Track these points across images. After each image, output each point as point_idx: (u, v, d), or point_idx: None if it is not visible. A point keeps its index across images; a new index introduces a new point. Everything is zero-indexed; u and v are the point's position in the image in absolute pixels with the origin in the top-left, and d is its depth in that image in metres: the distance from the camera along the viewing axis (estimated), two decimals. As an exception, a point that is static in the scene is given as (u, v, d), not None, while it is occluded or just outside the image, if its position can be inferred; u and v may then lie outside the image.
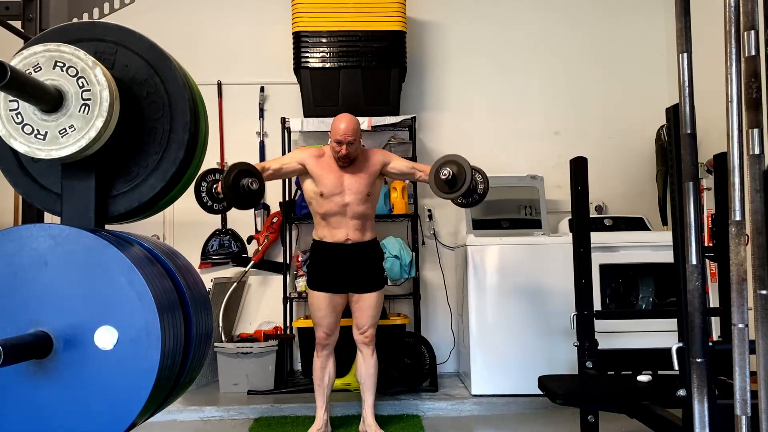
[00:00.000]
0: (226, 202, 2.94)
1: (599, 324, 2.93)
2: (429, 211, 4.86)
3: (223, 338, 4.34)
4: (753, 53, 1.54)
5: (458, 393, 4.09)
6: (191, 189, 1.98)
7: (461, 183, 2.98)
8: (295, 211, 4.54)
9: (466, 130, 4.96)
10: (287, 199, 4.58)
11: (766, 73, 1.70)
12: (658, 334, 3.37)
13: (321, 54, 4.43)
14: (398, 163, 3.36)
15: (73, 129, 1.52)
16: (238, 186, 2.84)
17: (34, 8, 2.62)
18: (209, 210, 3.04)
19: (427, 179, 3.19)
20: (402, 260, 4.28)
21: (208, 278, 4.40)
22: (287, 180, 4.55)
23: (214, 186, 2.96)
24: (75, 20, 2.69)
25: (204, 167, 2.01)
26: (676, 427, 2.18)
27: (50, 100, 1.49)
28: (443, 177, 2.99)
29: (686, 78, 1.84)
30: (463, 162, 3.02)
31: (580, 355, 2.86)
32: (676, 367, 2.09)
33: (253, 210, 4.83)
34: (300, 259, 4.54)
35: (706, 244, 3.43)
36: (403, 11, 4.50)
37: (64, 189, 1.65)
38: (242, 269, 4.69)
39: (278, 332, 4.45)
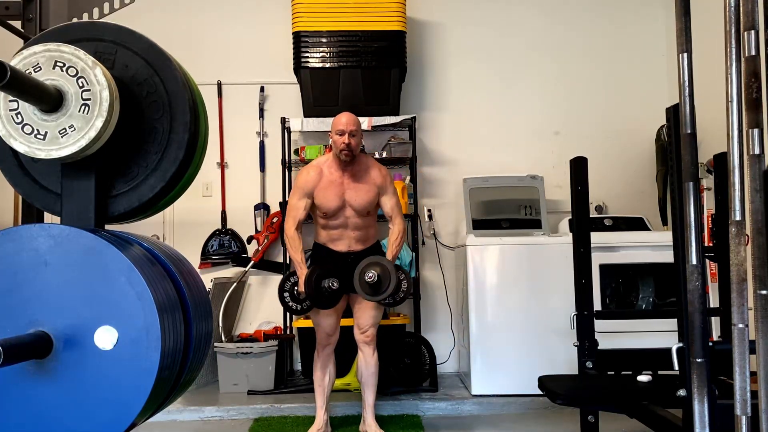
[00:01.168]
0: (309, 302, 3.22)
1: (599, 324, 2.93)
2: (429, 211, 4.86)
3: (223, 338, 4.34)
4: (753, 53, 1.54)
5: (458, 393, 4.09)
6: (191, 189, 1.98)
7: (386, 286, 3.08)
8: (295, 211, 4.53)
9: (466, 130, 4.96)
10: (287, 199, 4.58)
11: (766, 73, 1.70)
12: (658, 334, 3.37)
13: (321, 54, 4.43)
14: (386, 200, 3.34)
15: (73, 129, 1.52)
16: (321, 289, 3.13)
17: (34, 8, 2.62)
18: (292, 311, 3.36)
19: (393, 230, 3.30)
20: (402, 260, 4.28)
21: (208, 278, 4.40)
22: (287, 181, 4.55)
23: (295, 288, 3.24)
24: (75, 20, 2.69)
25: (204, 167, 2.01)
26: (676, 427, 2.18)
27: (50, 100, 1.49)
28: (368, 280, 3.06)
29: (686, 78, 1.84)
30: (387, 264, 3.11)
31: (580, 355, 2.86)
32: (676, 367, 2.09)
33: (253, 210, 4.83)
34: (300, 259, 4.54)
35: (706, 244, 3.43)
36: (403, 11, 4.50)
37: (64, 189, 1.65)
38: (242, 269, 4.69)
39: (278, 332, 4.44)
